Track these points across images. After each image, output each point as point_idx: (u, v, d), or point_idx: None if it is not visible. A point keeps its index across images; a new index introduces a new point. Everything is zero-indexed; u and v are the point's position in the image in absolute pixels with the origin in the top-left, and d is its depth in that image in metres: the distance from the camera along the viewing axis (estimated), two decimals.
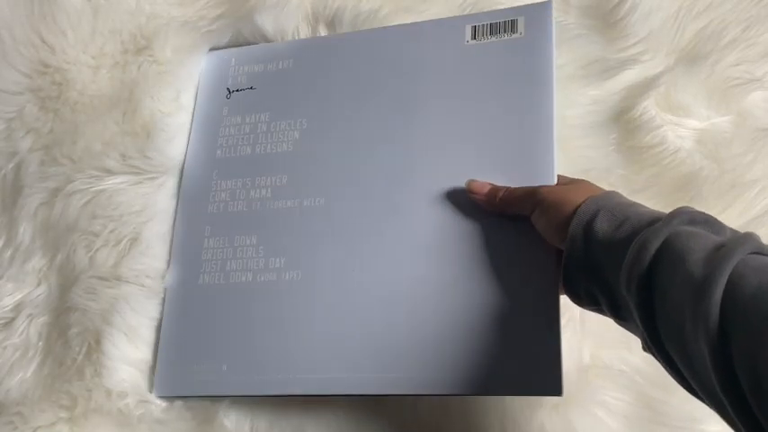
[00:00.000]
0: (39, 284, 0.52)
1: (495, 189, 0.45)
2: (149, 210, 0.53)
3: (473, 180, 0.46)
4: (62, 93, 0.55)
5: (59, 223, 0.52)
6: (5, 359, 0.50)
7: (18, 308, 0.52)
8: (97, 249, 0.51)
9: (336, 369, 0.45)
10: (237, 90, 0.56)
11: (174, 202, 0.54)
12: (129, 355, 0.49)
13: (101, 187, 0.52)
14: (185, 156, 0.55)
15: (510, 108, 0.48)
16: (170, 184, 0.54)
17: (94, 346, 0.49)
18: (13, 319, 0.51)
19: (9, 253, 0.53)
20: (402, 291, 0.46)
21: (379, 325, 0.45)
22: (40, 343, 0.51)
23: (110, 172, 0.53)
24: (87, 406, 0.48)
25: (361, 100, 0.52)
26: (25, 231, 0.53)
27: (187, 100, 0.57)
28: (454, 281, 0.45)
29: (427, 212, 0.47)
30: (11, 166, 0.54)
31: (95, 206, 0.52)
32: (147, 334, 0.51)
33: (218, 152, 0.54)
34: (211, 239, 0.51)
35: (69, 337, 0.50)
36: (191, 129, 0.55)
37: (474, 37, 0.51)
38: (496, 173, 0.46)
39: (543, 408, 0.48)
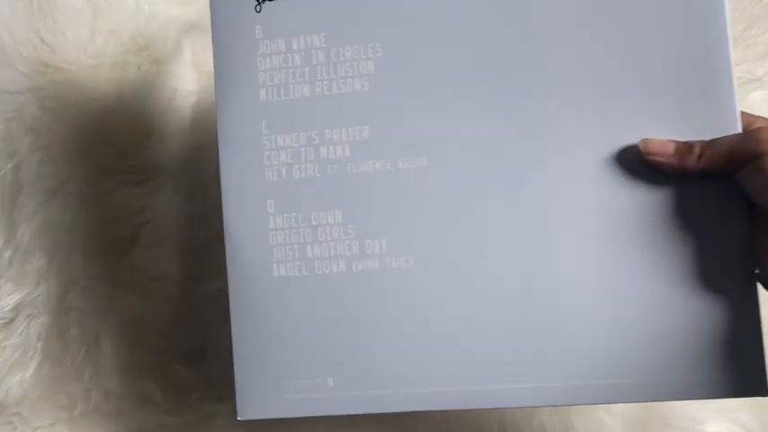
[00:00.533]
0: (38, 285, 0.52)
1: (685, 146, 0.34)
2: (149, 210, 0.53)
3: (649, 139, 0.35)
4: (61, 93, 0.55)
5: (59, 223, 0.52)
6: (5, 359, 0.50)
7: (17, 308, 0.52)
8: (96, 249, 0.51)
9: (484, 379, 0.37)
10: None
11: (173, 202, 0.54)
12: (127, 356, 0.49)
13: (100, 187, 0.52)
14: (215, 100, 0.39)
15: (672, 37, 0.36)
16: (169, 183, 0.54)
17: (93, 346, 0.49)
18: (12, 320, 0.52)
19: (8, 253, 0.53)
20: (553, 280, 0.36)
21: (531, 323, 0.36)
22: (40, 343, 0.51)
23: (109, 172, 0.53)
24: (86, 406, 0.48)
25: (463, 9, 0.38)
26: (24, 231, 0.53)
27: (186, 97, 0.56)
28: (626, 267, 0.36)
29: (576, 174, 0.36)
30: (10, 165, 0.54)
31: (94, 206, 0.52)
32: (145, 335, 0.51)
33: (263, 94, 0.39)
34: (278, 218, 0.39)
35: (68, 338, 0.50)
36: (214, 62, 0.39)
37: None
38: (665, 123, 0.35)
39: (543, 408, 0.48)
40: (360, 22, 0.38)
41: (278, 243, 0.39)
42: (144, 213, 0.53)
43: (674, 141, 0.35)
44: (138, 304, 0.51)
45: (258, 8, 0.39)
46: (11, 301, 0.52)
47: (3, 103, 0.55)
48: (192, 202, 0.54)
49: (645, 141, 0.35)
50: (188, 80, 0.57)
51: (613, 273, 0.36)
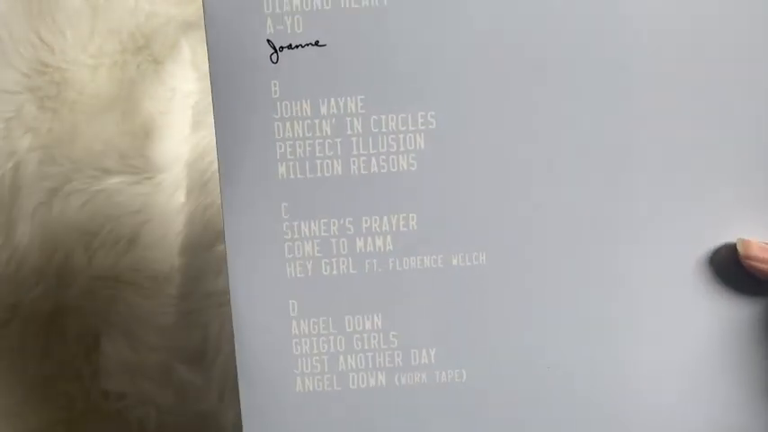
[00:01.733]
0: (37, 284, 0.52)
1: None
2: (148, 210, 0.53)
3: (747, 240, 0.30)
4: (61, 92, 0.55)
5: (58, 223, 0.52)
6: (4, 360, 0.50)
7: (16, 308, 0.52)
8: (95, 250, 0.51)
9: None
10: (291, 46, 0.29)
11: (173, 202, 0.54)
12: (127, 356, 0.49)
13: (99, 187, 0.52)
14: (219, 176, 0.31)
15: None
16: (169, 183, 0.54)
17: (93, 346, 0.49)
18: (11, 320, 0.52)
19: (8, 253, 0.53)
20: (632, 399, 0.31)
21: None
22: (39, 344, 0.51)
23: (108, 172, 0.53)
24: (86, 406, 0.48)
25: (538, 76, 0.30)
26: (23, 231, 0.53)
27: (187, 93, 0.56)
28: (715, 384, 0.31)
29: (661, 275, 0.30)
30: (9, 165, 0.54)
31: (94, 206, 0.52)
32: (145, 335, 0.51)
33: (282, 169, 0.30)
34: (303, 322, 0.32)
35: (68, 338, 0.50)
36: (215, 125, 0.31)
37: None
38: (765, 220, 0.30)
39: None
40: (408, 84, 0.30)
41: (302, 353, 0.32)
42: (144, 213, 0.53)
43: None
44: (138, 304, 0.51)
45: (275, 58, 0.29)
46: (10, 300, 0.52)
47: (2, 103, 0.55)
48: (191, 202, 0.54)
49: (744, 242, 0.30)
50: (188, 80, 0.57)
51: (700, 385, 0.31)
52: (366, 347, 0.32)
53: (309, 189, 0.30)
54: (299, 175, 0.30)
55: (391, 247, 0.31)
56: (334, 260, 0.31)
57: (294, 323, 0.31)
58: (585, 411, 0.31)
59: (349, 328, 0.31)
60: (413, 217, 0.31)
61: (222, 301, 0.52)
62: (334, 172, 0.30)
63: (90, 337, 0.49)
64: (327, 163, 0.30)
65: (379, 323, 0.31)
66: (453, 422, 0.32)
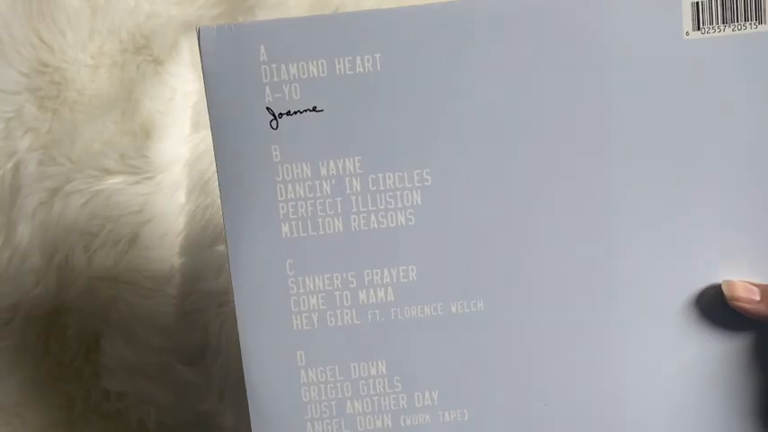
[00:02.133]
0: (37, 284, 0.52)
1: None
2: (148, 210, 0.53)
3: (733, 281, 0.32)
4: (61, 92, 0.55)
5: (58, 223, 0.52)
6: (4, 360, 0.50)
7: (16, 308, 0.52)
8: (96, 250, 0.51)
9: None
10: (289, 113, 0.31)
11: (173, 202, 0.54)
12: (127, 356, 0.49)
13: (99, 187, 0.52)
14: (225, 235, 0.32)
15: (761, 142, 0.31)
16: (169, 183, 0.54)
17: (93, 346, 0.49)
18: (11, 320, 0.51)
19: (8, 253, 0.53)
20: None
21: None
22: (39, 344, 0.51)
23: (108, 172, 0.53)
24: (86, 406, 0.48)
25: (527, 131, 0.31)
26: (23, 231, 0.53)
27: (187, 97, 0.56)
28: (704, 415, 0.32)
29: (650, 316, 0.32)
30: (9, 165, 0.54)
31: (94, 206, 0.52)
32: (145, 335, 0.51)
33: (285, 229, 0.32)
34: (311, 370, 0.33)
35: (68, 338, 0.50)
36: (220, 188, 0.32)
37: (698, 27, 0.31)
38: (749, 262, 0.32)
39: None
40: (403, 144, 0.32)
41: (312, 399, 0.34)
42: (144, 213, 0.53)
43: (759, 285, 0.32)
44: (138, 304, 0.51)
45: (275, 124, 0.31)
46: (10, 301, 0.52)
47: (2, 103, 0.55)
48: (192, 202, 0.54)
49: (729, 284, 0.32)
50: (188, 80, 0.57)
51: (688, 418, 0.32)
52: (372, 392, 0.33)
53: (312, 246, 0.32)
54: (301, 234, 0.32)
55: (393, 298, 0.33)
56: (338, 312, 0.33)
57: (303, 372, 0.33)
58: None
59: (355, 374, 0.33)
60: (412, 269, 0.33)
61: (222, 300, 0.52)
62: (336, 229, 0.32)
63: (90, 337, 0.49)
64: (329, 221, 0.32)
65: (384, 369, 0.33)
66: None
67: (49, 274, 0.52)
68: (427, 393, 0.33)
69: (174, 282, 0.52)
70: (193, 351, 0.52)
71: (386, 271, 0.33)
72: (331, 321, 0.33)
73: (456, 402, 0.33)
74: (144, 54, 0.56)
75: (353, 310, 0.33)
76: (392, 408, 0.34)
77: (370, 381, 0.33)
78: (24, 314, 0.51)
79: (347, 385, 0.33)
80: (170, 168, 0.54)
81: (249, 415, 0.33)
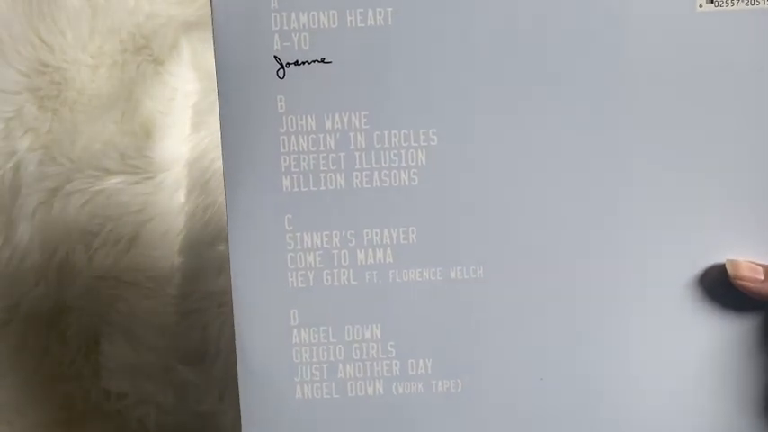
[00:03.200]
0: (37, 284, 0.52)
1: None
2: (148, 209, 0.53)
3: (737, 260, 0.31)
4: (61, 92, 0.55)
5: (58, 223, 0.52)
6: (4, 360, 0.50)
7: (17, 308, 0.52)
8: (96, 249, 0.51)
9: None
10: (297, 63, 0.31)
11: (174, 201, 0.54)
12: (127, 356, 0.49)
13: (99, 187, 0.52)
14: (224, 185, 0.32)
15: None
16: (169, 183, 0.54)
17: (93, 346, 0.49)
18: (11, 320, 0.51)
19: (8, 253, 0.53)
20: (623, 412, 0.32)
21: None
22: (39, 344, 0.51)
23: (108, 172, 0.53)
24: (86, 407, 0.48)
25: (533, 90, 0.31)
26: (24, 231, 0.53)
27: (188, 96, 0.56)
28: (703, 395, 0.32)
29: (653, 291, 0.31)
30: (9, 165, 0.54)
31: (94, 206, 0.52)
32: (145, 335, 0.51)
33: (286, 182, 0.31)
34: (303, 331, 0.32)
35: (68, 338, 0.50)
36: (222, 138, 0.31)
37: (711, 0, 0.30)
38: (754, 241, 0.31)
39: None
40: (411, 101, 0.30)
41: (303, 360, 0.32)
42: (144, 213, 0.53)
43: (763, 265, 0.31)
44: (138, 304, 0.51)
45: (281, 73, 0.30)
46: (10, 300, 0.52)
47: (2, 103, 0.55)
48: (192, 202, 0.54)
49: (733, 263, 0.31)
50: (188, 80, 0.57)
51: (689, 400, 0.32)
52: (365, 357, 0.32)
53: (313, 201, 0.31)
54: (302, 188, 0.31)
55: (391, 260, 0.32)
56: (335, 271, 0.32)
57: (295, 332, 0.32)
58: (578, 423, 0.32)
59: (348, 337, 0.32)
60: (413, 230, 0.32)
61: (222, 301, 0.52)
62: (338, 185, 0.31)
63: (90, 337, 0.49)
64: (330, 176, 0.31)
65: (378, 333, 0.32)
66: (458, 429, 0.32)
67: (49, 273, 0.52)
68: (421, 361, 0.32)
69: (174, 281, 0.52)
70: (193, 351, 0.52)
71: (386, 231, 0.32)
72: (327, 280, 0.32)
73: (450, 372, 0.32)
74: (144, 54, 0.56)
75: (351, 270, 0.32)
76: (384, 374, 0.32)
77: (364, 345, 0.32)
78: (24, 314, 0.51)
79: (340, 348, 0.32)
80: (170, 168, 0.54)
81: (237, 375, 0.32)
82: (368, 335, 0.32)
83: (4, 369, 0.50)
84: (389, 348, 0.32)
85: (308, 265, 0.32)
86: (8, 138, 0.55)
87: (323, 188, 0.31)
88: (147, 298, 0.51)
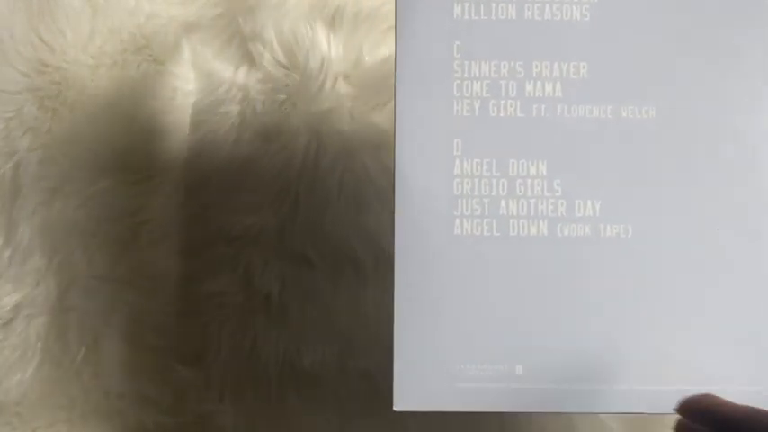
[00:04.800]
0: (37, 284, 0.52)
1: None
2: (148, 209, 0.53)
3: None
4: (61, 92, 0.55)
5: (58, 223, 0.52)
6: (4, 360, 0.50)
7: (17, 308, 0.52)
8: (95, 249, 0.51)
9: (712, 378, 0.30)
10: None
11: (173, 202, 0.54)
12: (127, 356, 0.49)
13: (100, 187, 0.52)
14: (395, 9, 0.32)
15: None
16: (169, 183, 0.54)
17: (93, 346, 0.49)
18: (11, 320, 0.51)
19: (8, 253, 0.53)
20: None
21: None
22: (39, 344, 0.51)
23: (109, 172, 0.53)
24: (86, 407, 0.48)
25: None
26: (24, 231, 0.53)
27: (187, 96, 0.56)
28: None
29: None
30: (9, 165, 0.54)
31: (94, 206, 0.52)
32: (144, 335, 0.51)
33: (457, 9, 0.31)
34: (466, 162, 0.31)
35: (68, 338, 0.50)
36: None
37: None
38: None
39: None
40: None
41: (464, 193, 0.31)
42: (143, 213, 0.53)
43: None
44: (138, 304, 0.51)
45: None
46: (10, 301, 0.52)
47: (2, 103, 0.55)
48: (191, 202, 0.54)
49: None
50: (188, 80, 0.57)
51: None
52: (529, 194, 0.31)
53: (483, 30, 0.31)
54: (473, 16, 0.31)
55: (560, 94, 0.31)
56: (502, 102, 0.31)
57: (457, 162, 0.31)
58: (748, 274, 0.30)
59: (512, 171, 0.31)
60: (584, 65, 0.31)
61: (222, 301, 0.52)
62: (509, 15, 0.31)
63: (90, 337, 0.49)
64: (503, 6, 0.31)
65: (544, 170, 0.31)
66: (615, 281, 0.30)
67: (48, 274, 0.52)
68: (589, 203, 0.31)
69: (173, 282, 0.52)
70: (193, 351, 0.52)
71: (555, 65, 0.31)
72: (493, 111, 0.31)
73: (620, 216, 0.30)
74: (144, 54, 0.56)
75: (518, 102, 0.31)
76: (550, 214, 0.31)
77: (528, 181, 0.31)
78: (25, 314, 0.51)
79: (503, 182, 0.31)
80: (170, 168, 0.54)
81: (393, 223, 0.30)
82: (533, 171, 0.31)
83: (4, 369, 0.50)
84: (555, 187, 0.31)
85: (475, 94, 0.31)
86: (8, 138, 0.55)
87: (494, 17, 0.31)
88: (147, 298, 0.51)
